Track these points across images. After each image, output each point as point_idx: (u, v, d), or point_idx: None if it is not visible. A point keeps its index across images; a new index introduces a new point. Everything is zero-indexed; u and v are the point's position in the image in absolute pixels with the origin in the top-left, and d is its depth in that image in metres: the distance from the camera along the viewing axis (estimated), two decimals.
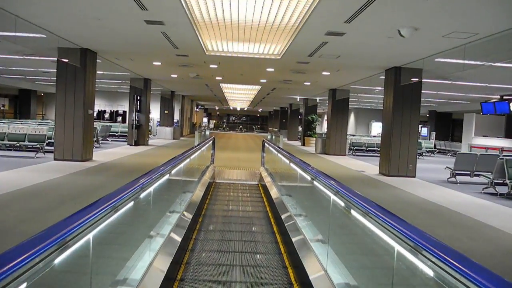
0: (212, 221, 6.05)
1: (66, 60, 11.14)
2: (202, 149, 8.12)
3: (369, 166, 14.52)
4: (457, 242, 5.37)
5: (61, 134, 11.51)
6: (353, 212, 2.90)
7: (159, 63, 13.72)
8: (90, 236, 1.96)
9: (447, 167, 11.58)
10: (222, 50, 11.14)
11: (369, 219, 2.48)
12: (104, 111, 30.60)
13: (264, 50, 10.98)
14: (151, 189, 3.42)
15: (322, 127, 38.97)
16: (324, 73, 13.83)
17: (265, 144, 10.17)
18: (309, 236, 4.29)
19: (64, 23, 8.59)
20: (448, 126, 29.73)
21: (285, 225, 4.97)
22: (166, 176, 4.27)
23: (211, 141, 10.27)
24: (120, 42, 10.34)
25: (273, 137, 13.83)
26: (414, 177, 11.88)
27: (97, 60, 12.95)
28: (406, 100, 11.89)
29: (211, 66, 13.66)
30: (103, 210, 2.06)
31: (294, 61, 11.79)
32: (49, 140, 13.14)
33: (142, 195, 3.12)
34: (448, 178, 11.38)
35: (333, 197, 3.46)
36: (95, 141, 17.01)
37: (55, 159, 11.47)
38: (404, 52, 9.74)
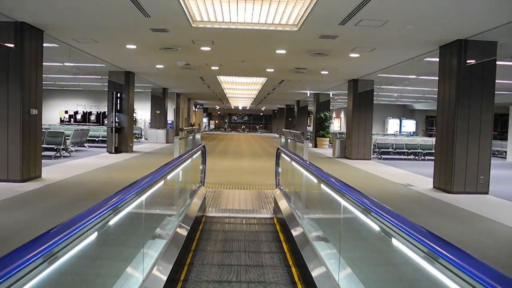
0: None
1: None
2: (182, 167, 4.75)
3: (412, 176, 11.13)
4: None
5: None
6: None
7: (133, 46, 10.35)
8: None
9: None
10: (215, 19, 7.79)
11: None
12: (90, 113, 27.25)
13: (275, 18, 7.61)
14: None
15: (333, 126, 35.66)
16: (352, 55, 10.43)
17: (281, 154, 6.77)
18: None
19: None
20: None
21: None
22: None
23: (200, 152, 6.88)
24: (59, 4, 6.97)
25: (288, 141, 10.30)
26: (487, 193, 8.50)
27: (54, 45, 9.73)
28: (475, 86, 8.47)
29: (203, 48, 10.30)
30: None
31: (317, 34, 8.41)
32: None
33: None
34: None
35: None
36: (63, 149, 13.77)
37: None
38: (496, 4, 6.34)
